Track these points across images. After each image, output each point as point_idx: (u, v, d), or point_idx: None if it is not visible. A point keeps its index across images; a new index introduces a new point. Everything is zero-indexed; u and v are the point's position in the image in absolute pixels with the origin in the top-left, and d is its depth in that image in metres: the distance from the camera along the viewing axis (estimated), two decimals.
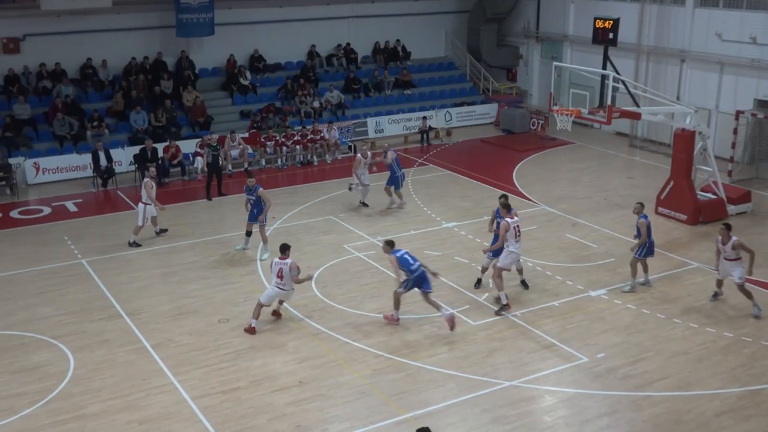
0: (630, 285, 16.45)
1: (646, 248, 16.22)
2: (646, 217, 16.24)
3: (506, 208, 15.85)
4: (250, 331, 14.65)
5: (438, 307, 14.57)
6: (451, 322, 14.41)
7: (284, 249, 14.73)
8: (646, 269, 16.63)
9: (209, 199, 22.83)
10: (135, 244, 19.16)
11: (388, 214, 21.25)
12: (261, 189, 18.42)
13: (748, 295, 15.31)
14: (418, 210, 21.51)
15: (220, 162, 23.49)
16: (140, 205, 19.27)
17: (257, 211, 18.27)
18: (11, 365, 13.67)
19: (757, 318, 15.15)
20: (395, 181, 21.41)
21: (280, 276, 14.51)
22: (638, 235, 16.27)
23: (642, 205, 16.44)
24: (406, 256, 14.61)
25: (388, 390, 12.77)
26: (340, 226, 20.41)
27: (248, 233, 18.64)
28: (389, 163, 21.38)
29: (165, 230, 19.95)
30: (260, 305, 14.72)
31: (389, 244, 14.92)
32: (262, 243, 18.49)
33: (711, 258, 18.07)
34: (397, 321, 14.95)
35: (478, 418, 11.99)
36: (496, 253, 15.86)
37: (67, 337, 14.61)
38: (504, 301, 15.38)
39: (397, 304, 14.85)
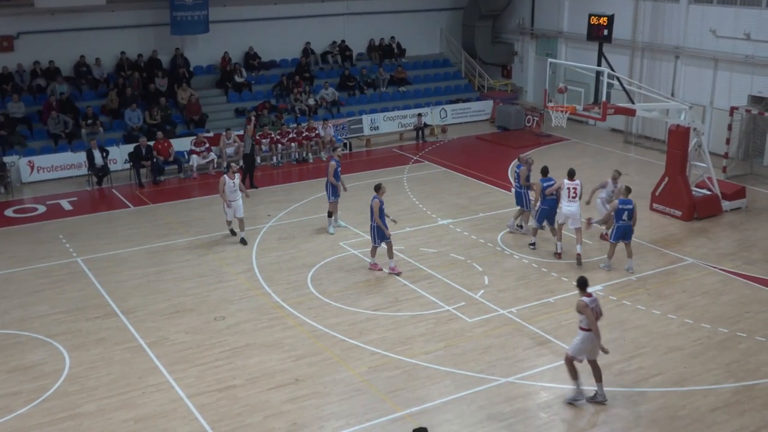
0: (605, 264, 17.30)
1: (616, 231, 16.92)
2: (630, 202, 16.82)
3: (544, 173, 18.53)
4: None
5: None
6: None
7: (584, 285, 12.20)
8: (629, 254, 17.16)
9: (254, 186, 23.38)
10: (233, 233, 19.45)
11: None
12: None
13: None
14: (414, 207, 21.51)
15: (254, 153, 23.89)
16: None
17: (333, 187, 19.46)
18: (7, 364, 13.65)
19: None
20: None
21: None
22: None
23: (629, 190, 17.06)
24: None
25: (384, 387, 12.79)
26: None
27: (330, 214, 19.84)
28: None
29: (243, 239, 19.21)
30: None
31: None
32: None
33: (706, 254, 18.20)
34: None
35: (474, 415, 12.01)
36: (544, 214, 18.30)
37: (62, 336, 14.59)
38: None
39: None
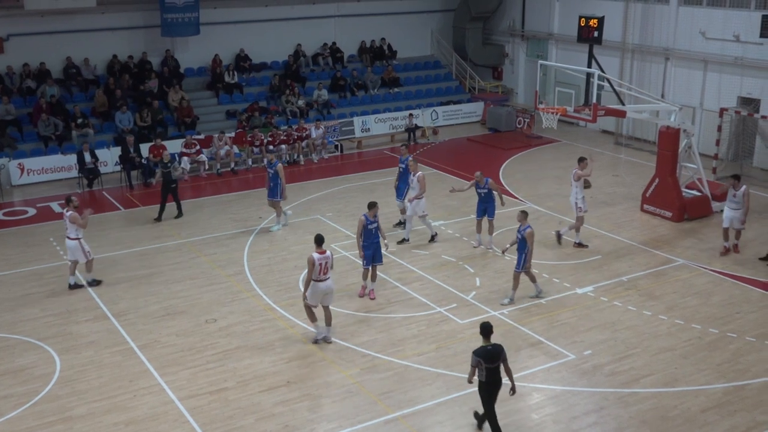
0: (509, 298, 15.82)
1: (525, 260, 15.38)
2: (530, 227, 15.44)
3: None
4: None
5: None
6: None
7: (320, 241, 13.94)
8: (533, 279, 15.86)
9: (159, 219, 20.73)
10: (94, 282, 16.87)
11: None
12: (280, 164, 19.60)
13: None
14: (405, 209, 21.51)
15: (175, 176, 20.81)
16: (70, 242, 16.51)
17: (274, 185, 19.46)
18: None
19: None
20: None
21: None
22: (521, 247, 15.42)
23: (526, 214, 15.62)
24: None
25: (376, 389, 12.79)
26: (326, 225, 20.39)
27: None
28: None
29: (99, 281, 16.99)
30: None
31: None
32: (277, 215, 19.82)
33: (696, 255, 18.27)
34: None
35: (466, 417, 12.01)
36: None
37: (53, 339, 14.53)
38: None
39: None
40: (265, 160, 18.71)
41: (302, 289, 14.37)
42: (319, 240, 13.87)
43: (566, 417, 12.07)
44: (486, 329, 11.10)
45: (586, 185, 18.65)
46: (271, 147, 26.04)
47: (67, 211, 16.43)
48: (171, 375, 13.26)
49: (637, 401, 12.44)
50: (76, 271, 16.81)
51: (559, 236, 18.85)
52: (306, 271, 14.00)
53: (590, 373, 13.26)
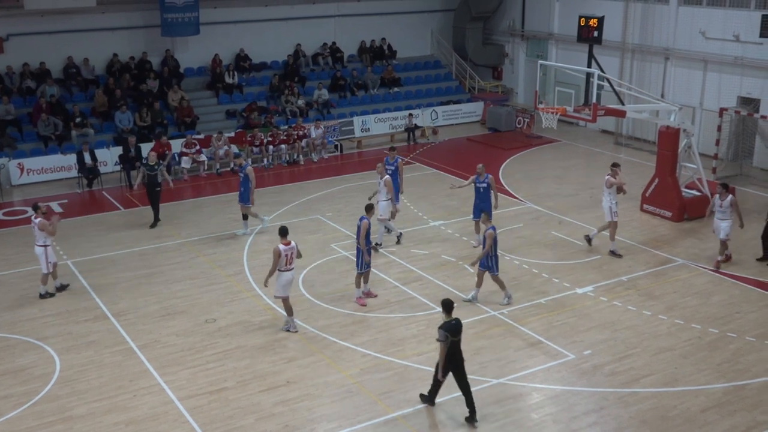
0: (472, 294, 15.78)
1: (492, 260, 15.33)
2: (494, 228, 15.30)
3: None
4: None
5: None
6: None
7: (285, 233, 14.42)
8: (502, 286, 15.69)
9: (156, 221, 20.44)
10: (48, 295, 16.36)
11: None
12: (250, 167, 19.47)
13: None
14: (405, 209, 21.50)
15: (160, 181, 20.36)
16: (37, 248, 16.19)
17: (245, 190, 19.20)
18: None
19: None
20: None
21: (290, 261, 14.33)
22: (483, 245, 15.45)
23: (488, 216, 15.63)
24: None
25: (376, 389, 12.79)
26: (326, 225, 20.40)
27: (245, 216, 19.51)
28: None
29: (66, 286, 16.70)
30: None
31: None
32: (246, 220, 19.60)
33: (696, 254, 18.27)
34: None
35: (465, 416, 12.01)
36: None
37: (52, 339, 14.53)
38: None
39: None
40: (232, 164, 18.39)
41: (267, 280, 14.43)
42: (284, 231, 14.37)
43: (566, 417, 12.07)
44: (448, 305, 11.76)
45: (620, 191, 18.29)
46: (254, 149, 26.13)
47: (35, 218, 16.16)
48: (171, 375, 13.25)
49: (637, 401, 12.44)
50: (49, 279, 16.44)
51: (589, 240, 18.57)
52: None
53: (590, 372, 13.26)
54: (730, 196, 17.48)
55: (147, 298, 16.30)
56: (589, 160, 26.90)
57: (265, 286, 14.50)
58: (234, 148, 25.89)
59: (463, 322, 14.88)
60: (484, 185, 18.21)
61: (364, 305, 15.68)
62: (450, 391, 12.67)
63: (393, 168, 19.47)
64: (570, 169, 25.76)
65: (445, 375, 11.75)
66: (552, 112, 20.28)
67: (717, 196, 17.56)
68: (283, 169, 26.24)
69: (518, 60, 35.00)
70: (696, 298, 16.10)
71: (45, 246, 16.13)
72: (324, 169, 26.12)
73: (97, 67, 28.51)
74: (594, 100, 19.72)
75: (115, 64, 28.43)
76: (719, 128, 24.33)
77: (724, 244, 17.51)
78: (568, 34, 30.32)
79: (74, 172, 24.35)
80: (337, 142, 28.42)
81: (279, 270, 14.19)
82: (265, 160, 26.39)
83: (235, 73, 30.08)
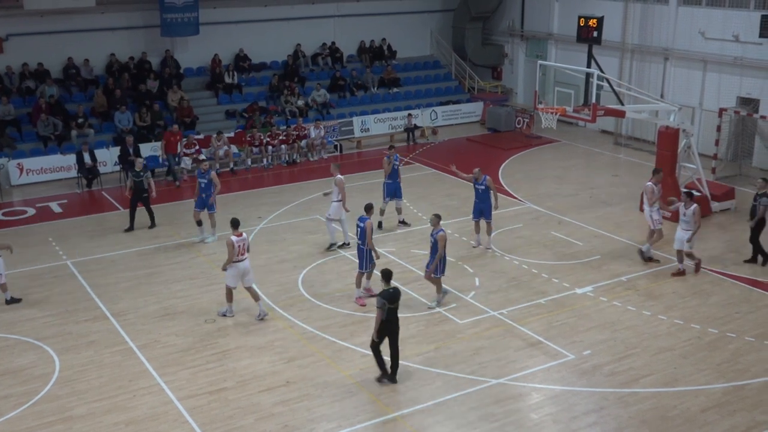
0: (436, 300, 15.64)
1: (444, 265, 15.35)
2: (443, 230, 15.25)
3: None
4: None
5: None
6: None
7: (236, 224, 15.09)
8: (439, 289, 15.63)
9: (131, 228, 20.09)
10: (12, 300, 16.11)
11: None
12: (213, 172, 19.39)
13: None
14: (405, 209, 21.49)
15: (148, 187, 20.02)
16: None
17: (206, 196, 18.88)
18: None
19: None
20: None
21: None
22: (434, 251, 15.21)
23: (439, 218, 15.43)
24: None
25: (376, 389, 12.78)
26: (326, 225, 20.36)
27: (199, 222, 19.17)
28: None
29: (18, 300, 16.18)
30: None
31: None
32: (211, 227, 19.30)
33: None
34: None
35: (465, 416, 12.02)
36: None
37: (52, 339, 14.53)
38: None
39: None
40: (190, 167, 17.99)
41: (224, 271, 15.01)
42: (235, 223, 14.99)
43: (566, 417, 12.07)
44: (387, 274, 12.83)
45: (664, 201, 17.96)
46: (254, 149, 26.09)
47: None
48: (170, 375, 13.25)
49: (637, 401, 12.44)
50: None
51: (642, 253, 17.89)
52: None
53: (590, 373, 13.26)
54: (695, 205, 16.76)
55: (147, 298, 16.29)
56: (589, 160, 26.90)
57: (223, 270, 14.99)
58: (234, 149, 25.92)
59: (461, 322, 15.05)
60: (483, 187, 18.25)
61: (364, 305, 15.67)
62: (450, 390, 12.70)
63: (397, 164, 19.88)
64: (570, 169, 25.75)
65: (381, 338, 12.59)
66: (551, 113, 20.28)
67: (682, 204, 16.98)
68: (282, 169, 26.24)
69: (518, 60, 35.00)
70: (695, 298, 16.10)
71: None
72: (324, 169, 26.01)
73: (97, 67, 28.51)
74: (593, 100, 19.72)
75: (114, 65, 28.44)
76: (719, 128, 24.33)
77: (679, 254, 17.01)
78: (568, 34, 30.32)
79: (74, 173, 24.35)
80: (336, 143, 28.42)
81: (232, 261, 14.77)
82: (265, 160, 26.38)
83: (235, 73, 30.09)
